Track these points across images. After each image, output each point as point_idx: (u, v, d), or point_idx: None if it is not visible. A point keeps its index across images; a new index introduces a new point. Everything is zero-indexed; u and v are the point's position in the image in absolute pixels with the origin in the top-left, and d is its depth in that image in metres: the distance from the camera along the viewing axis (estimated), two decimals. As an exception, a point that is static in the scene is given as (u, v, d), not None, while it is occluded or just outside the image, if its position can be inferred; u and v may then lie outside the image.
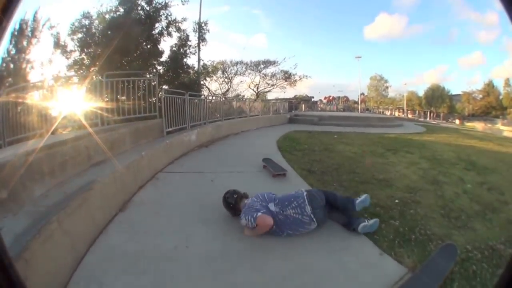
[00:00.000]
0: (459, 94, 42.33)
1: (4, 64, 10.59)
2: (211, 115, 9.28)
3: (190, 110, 7.31)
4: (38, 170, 2.56)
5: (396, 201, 3.58)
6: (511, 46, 46.33)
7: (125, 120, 5.43)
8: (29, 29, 11.47)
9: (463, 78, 76.60)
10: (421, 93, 44.56)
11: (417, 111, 41.73)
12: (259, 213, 2.61)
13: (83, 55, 10.12)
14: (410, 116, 38.65)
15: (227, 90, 23.99)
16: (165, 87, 9.58)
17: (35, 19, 11.55)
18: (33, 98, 4.42)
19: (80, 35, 10.27)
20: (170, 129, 6.18)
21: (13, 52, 10.88)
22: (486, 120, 32.08)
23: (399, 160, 6.25)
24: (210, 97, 11.78)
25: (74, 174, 3.09)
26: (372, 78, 48.10)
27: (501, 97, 37.34)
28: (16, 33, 11.01)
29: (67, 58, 10.42)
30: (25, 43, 11.35)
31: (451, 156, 7.20)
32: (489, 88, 38.62)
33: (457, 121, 34.37)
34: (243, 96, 23.36)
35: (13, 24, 10.73)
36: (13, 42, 10.91)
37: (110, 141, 4.11)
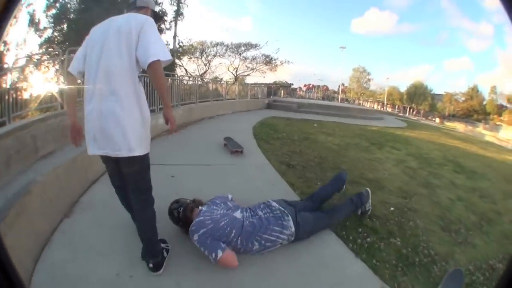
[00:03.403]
0: (441, 94, 43.66)
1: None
2: (187, 97, 8.94)
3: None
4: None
5: (392, 209, 3.26)
6: (502, 57, 47.77)
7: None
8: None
9: (447, 80, 79.14)
10: (403, 89, 45.66)
11: (397, 106, 42.64)
12: (220, 253, 1.98)
13: (55, 33, 9.32)
14: (389, 110, 39.54)
15: (205, 72, 23.26)
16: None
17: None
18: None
19: (54, 11, 9.42)
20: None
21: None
22: (467, 122, 33.34)
23: (386, 157, 6.04)
24: (186, 78, 11.28)
25: (19, 171, 2.64)
26: (354, 69, 49.02)
27: (484, 102, 38.73)
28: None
29: (40, 37, 9.62)
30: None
31: (438, 155, 7.11)
32: (473, 92, 40.11)
33: (437, 120, 35.53)
34: (221, 78, 22.69)
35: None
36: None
37: (62, 127, 3.53)
